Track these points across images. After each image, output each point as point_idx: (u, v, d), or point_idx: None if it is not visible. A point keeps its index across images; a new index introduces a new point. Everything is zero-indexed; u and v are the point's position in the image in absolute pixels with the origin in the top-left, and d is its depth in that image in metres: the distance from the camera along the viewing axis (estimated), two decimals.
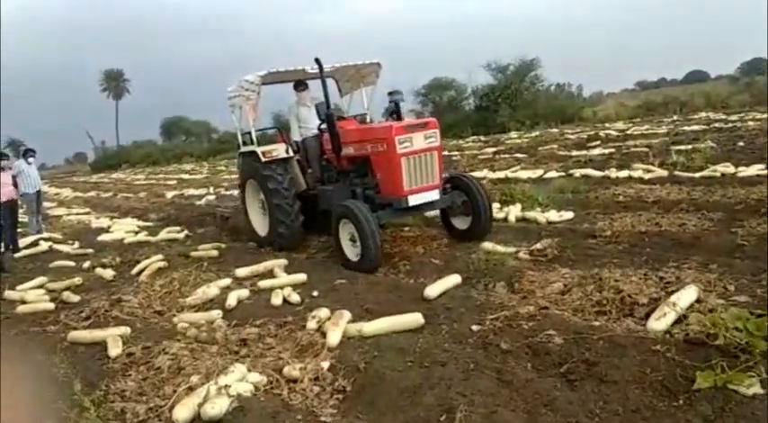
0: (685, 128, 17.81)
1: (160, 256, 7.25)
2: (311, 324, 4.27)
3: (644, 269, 4.58)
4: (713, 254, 4.94)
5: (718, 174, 8.62)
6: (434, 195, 6.10)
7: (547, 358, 3.36)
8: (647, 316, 3.73)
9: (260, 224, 7.79)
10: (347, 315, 4.25)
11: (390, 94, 6.68)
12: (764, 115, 19.36)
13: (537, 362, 3.35)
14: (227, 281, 5.85)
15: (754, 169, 8.56)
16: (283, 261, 6.46)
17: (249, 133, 7.67)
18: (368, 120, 8.23)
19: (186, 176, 26.55)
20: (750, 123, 16.85)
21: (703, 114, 24.13)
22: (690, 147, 12.06)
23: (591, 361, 3.20)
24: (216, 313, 4.85)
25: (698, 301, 3.79)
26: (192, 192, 17.75)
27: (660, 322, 3.55)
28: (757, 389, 2.68)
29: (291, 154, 7.37)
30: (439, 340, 3.83)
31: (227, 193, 16.16)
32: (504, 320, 3.96)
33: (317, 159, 7.35)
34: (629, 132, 18.53)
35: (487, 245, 5.93)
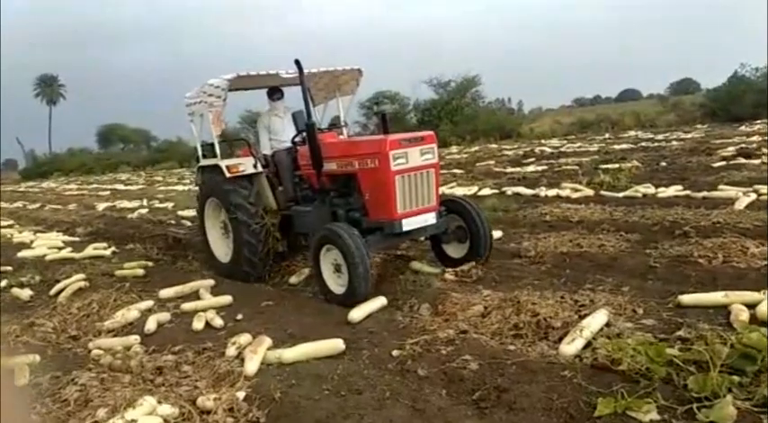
0: (615, 146, 18.57)
1: (81, 276, 6.97)
2: (231, 351, 4.19)
3: (561, 291, 4.72)
4: (627, 276, 5.14)
5: (639, 194, 9.00)
6: (431, 219, 5.47)
7: (461, 385, 3.40)
8: (560, 340, 3.84)
9: (221, 250, 6.92)
10: (267, 341, 4.19)
11: (376, 103, 6.33)
12: (689, 135, 20.43)
13: (452, 389, 3.39)
14: (149, 303, 5.68)
15: (673, 190, 8.99)
16: (210, 282, 6.33)
17: (211, 145, 6.82)
18: (345, 133, 7.55)
19: (121, 187, 25.73)
20: (674, 143, 17.71)
21: (633, 133, 25.22)
22: (617, 166, 12.58)
23: (502, 387, 3.26)
24: (134, 338, 4.70)
25: (607, 324, 3.93)
26: (125, 204, 17.17)
27: (571, 346, 3.66)
28: (654, 415, 2.79)
29: (260, 169, 6.57)
30: (358, 367, 3.83)
31: (162, 205, 15.74)
32: (423, 345, 4.00)
33: (290, 176, 6.55)
34: (562, 150, 19.18)
35: (416, 264, 5.98)
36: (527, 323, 4.14)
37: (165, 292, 5.98)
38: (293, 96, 7.13)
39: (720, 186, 8.80)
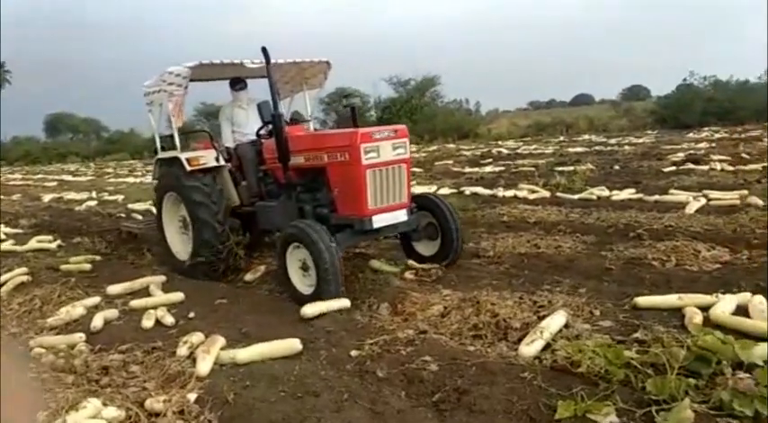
0: (570, 149, 18.93)
1: (24, 270, 6.64)
2: (182, 350, 4.03)
3: (520, 292, 4.72)
4: (583, 277, 5.19)
5: (594, 196, 9.15)
6: (402, 216, 5.31)
7: (421, 386, 3.35)
8: (520, 340, 3.83)
9: (180, 246, 6.59)
10: (220, 341, 4.05)
11: (345, 97, 6.04)
12: (640, 140, 20.99)
13: (411, 390, 3.33)
14: (95, 299, 5.43)
15: (626, 193, 9.18)
16: (161, 278, 6.11)
17: (171, 137, 6.48)
18: (311, 128, 7.33)
19: (69, 178, 24.82)
20: (626, 148, 18.17)
21: (586, 137, 25.78)
22: (572, 168, 12.81)
23: (462, 389, 3.22)
24: (78, 336, 4.48)
25: (566, 326, 3.94)
26: (72, 196, 16.56)
27: (530, 348, 3.65)
28: (613, 418, 2.79)
29: (223, 162, 6.27)
30: (316, 367, 3.73)
31: (112, 198, 15.23)
32: (382, 345, 3.93)
33: (254, 170, 6.29)
34: (519, 151, 19.44)
35: (375, 263, 5.90)
36: (486, 324, 4.12)
37: (114, 288, 5.74)
38: (257, 88, 6.97)
39: (671, 191, 9.02)
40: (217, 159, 6.22)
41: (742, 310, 3.98)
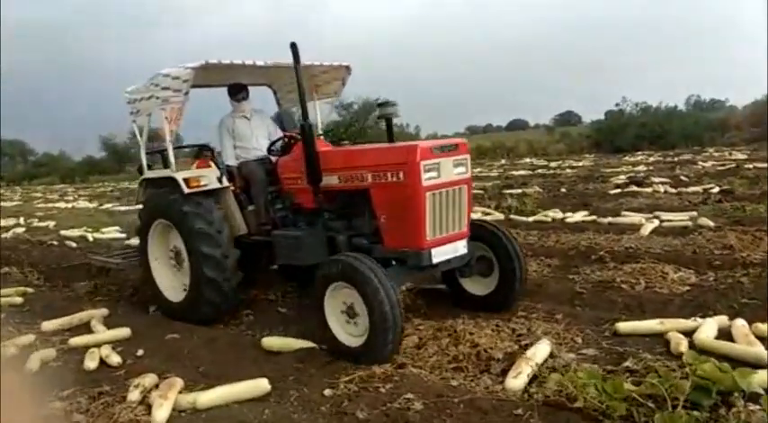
0: (514, 172, 19.20)
1: None
2: (133, 395, 3.60)
3: (495, 319, 4.51)
4: (555, 302, 5.05)
5: (549, 219, 9.15)
6: (462, 248, 4.45)
7: None
8: (504, 372, 3.61)
9: (170, 284, 5.60)
10: (179, 383, 3.65)
11: (380, 105, 5.00)
12: (580, 163, 21.56)
13: None
14: (29, 337, 4.90)
15: (580, 215, 9.22)
16: (103, 311, 5.61)
17: (162, 152, 5.60)
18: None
19: None
20: (568, 170, 18.57)
21: (527, 160, 26.32)
22: (520, 191, 12.89)
23: None
24: None
25: (551, 355, 3.75)
26: None
27: (518, 380, 3.43)
28: None
29: (226, 183, 5.38)
30: (287, 410, 3.39)
31: (43, 224, 14.27)
32: (358, 382, 3.63)
33: (264, 192, 5.34)
34: None
35: None
36: (467, 355, 3.89)
37: (50, 325, 5.21)
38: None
39: (623, 212, 9.12)
40: (220, 180, 5.32)
41: (724, 334, 3.91)
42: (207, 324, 5.07)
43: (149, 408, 3.46)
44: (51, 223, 14.25)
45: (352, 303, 4.02)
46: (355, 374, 3.71)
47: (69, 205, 20.46)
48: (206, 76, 5.38)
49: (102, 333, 4.96)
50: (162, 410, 3.33)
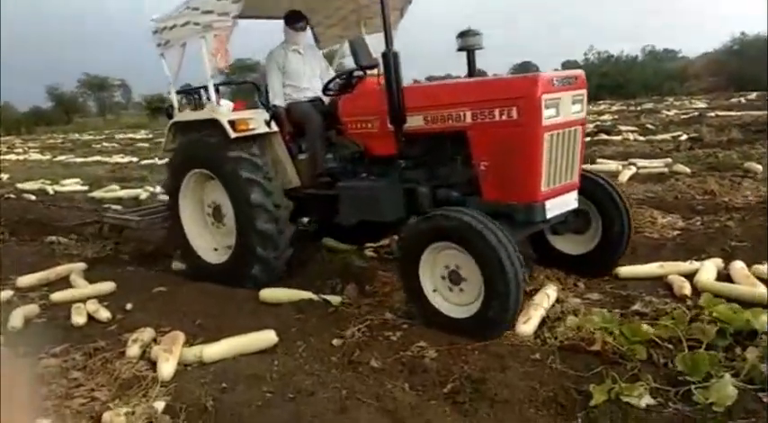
0: None
1: None
2: (133, 350, 3.45)
3: None
4: None
5: None
6: (573, 201, 3.87)
7: (426, 376, 3.01)
8: None
9: (206, 243, 5.03)
10: (181, 337, 3.51)
11: (462, 35, 4.22)
12: None
13: (416, 381, 2.99)
14: (7, 293, 4.65)
15: None
16: (81, 265, 5.36)
17: (200, 90, 4.88)
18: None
19: None
20: None
21: None
22: None
23: (474, 377, 2.91)
24: None
25: (557, 300, 3.75)
26: None
27: (528, 326, 3.41)
28: (648, 399, 2.60)
29: (275, 128, 4.73)
30: (298, 362, 3.30)
31: None
32: (366, 332, 3.56)
33: (320, 138, 4.62)
34: None
35: (330, 241, 5.45)
36: None
37: (25, 280, 4.95)
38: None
39: (598, 160, 9.19)
40: (268, 123, 4.66)
41: (722, 277, 3.97)
42: (256, 287, 4.43)
43: (151, 363, 3.33)
44: (5, 176, 13.61)
45: (458, 266, 3.46)
46: (361, 324, 3.64)
47: (21, 158, 19.57)
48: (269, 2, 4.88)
49: (85, 287, 4.73)
50: (168, 365, 3.19)
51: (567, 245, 4.34)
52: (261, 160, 4.52)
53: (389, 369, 3.13)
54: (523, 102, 3.43)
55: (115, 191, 10.19)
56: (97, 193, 10.12)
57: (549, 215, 3.64)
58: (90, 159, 17.68)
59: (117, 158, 17.03)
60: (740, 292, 3.56)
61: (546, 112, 3.43)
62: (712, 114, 15.34)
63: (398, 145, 3.96)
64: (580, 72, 3.82)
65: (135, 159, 16.38)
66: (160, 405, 2.87)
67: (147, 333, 3.62)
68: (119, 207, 8.47)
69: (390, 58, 3.74)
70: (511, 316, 3.30)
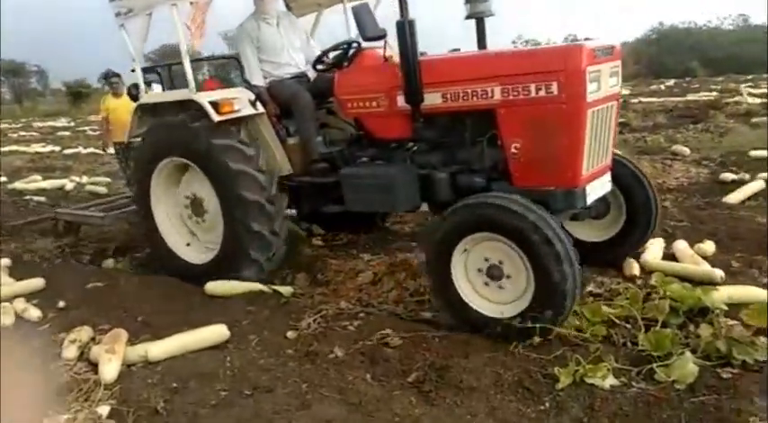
0: None
1: None
2: (69, 351, 3.22)
3: None
4: None
5: None
6: (608, 184, 3.55)
7: (388, 366, 2.93)
8: None
9: (182, 240, 4.56)
10: (124, 335, 3.28)
11: (470, 1, 3.80)
12: None
13: (378, 372, 2.90)
14: None
15: None
16: (5, 260, 4.96)
17: (171, 66, 4.37)
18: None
19: None
20: None
21: None
22: None
23: (438, 365, 2.86)
24: None
25: None
26: None
27: None
28: (612, 380, 2.62)
29: (261, 109, 4.18)
30: (251, 355, 3.15)
31: None
32: (322, 322, 3.44)
33: (312, 120, 4.15)
34: None
35: None
36: (426, 288, 3.78)
37: None
38: None
39: None
40: (253, 104, 4.14)
41: (666, 256, 4.06)
42: (247, 280, 4.10)
43: (92, 364, 3.10)
44: None
45: (500, 261, 3.08)
46: (316, 314, 3.52)
47: None
48: None
49: (12, 285, 4.38)
50: (111, 366, 2.97)
51: (584, 231, 3.90)
52: (251, 149, 4.05)
53: (350, 360, 3.03)
54: (565, 75, 3.03)
55: (37, 181, 9.56)
56: (18, 185, 9.47)
57: (589, 201, 3.32)
58: (6, 149, 16.56)
59: (37, 148, 16.02)
60: (688, 270, 3.65)
61: (591, 85, 3.07)
62: (636, 100, 15.91)
63: (413, 126, 3.58)
64: (616, 42, 3.42)
65: (57, 148, 15.46)
66: (105, 410, 2.67)
67: (84, 332, 3.37)
68: (42, 199, 7.94)
69: (406, 27, 3.31)
70: (565, 318, 2.99)
